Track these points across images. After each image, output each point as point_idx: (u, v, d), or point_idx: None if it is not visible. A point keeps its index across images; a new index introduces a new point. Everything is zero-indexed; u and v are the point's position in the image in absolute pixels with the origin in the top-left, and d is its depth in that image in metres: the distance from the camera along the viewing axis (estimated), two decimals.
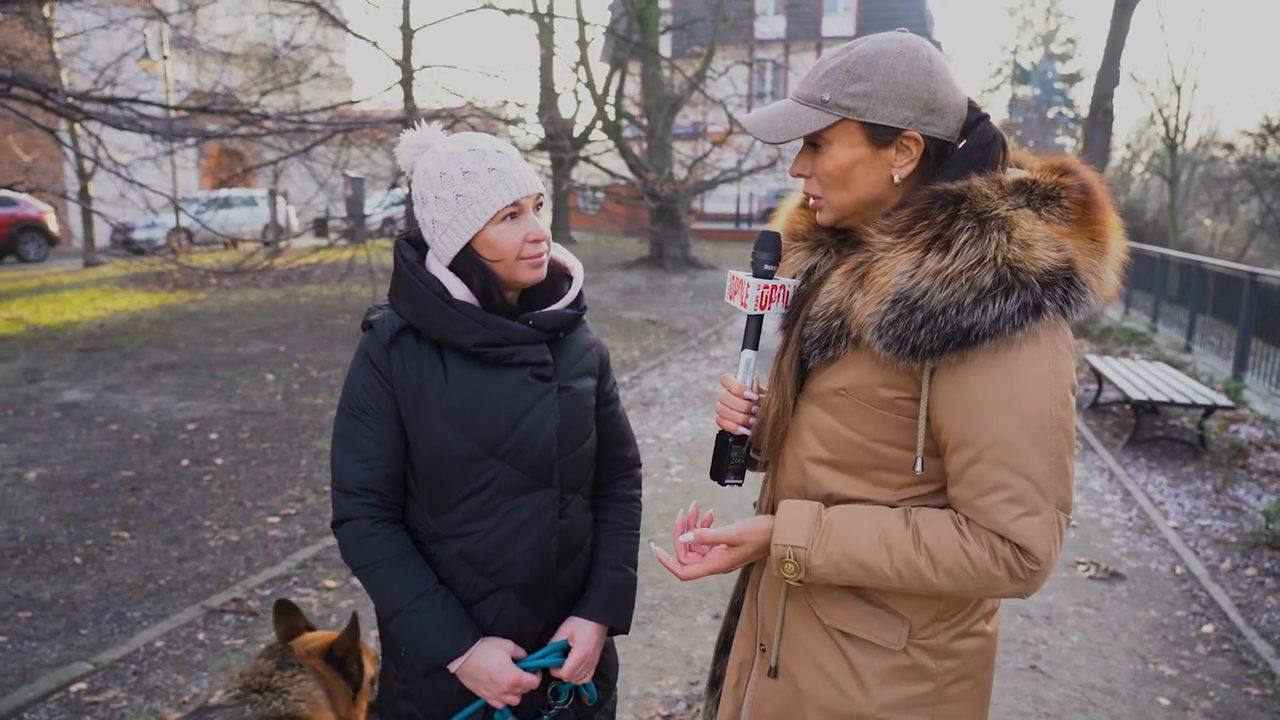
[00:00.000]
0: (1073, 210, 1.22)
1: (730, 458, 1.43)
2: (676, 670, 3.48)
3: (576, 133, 17.73)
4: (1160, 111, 27.20)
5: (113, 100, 5.99)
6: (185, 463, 5.88)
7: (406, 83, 10.39)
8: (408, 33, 10.67)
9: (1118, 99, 18.14)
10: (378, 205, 17.81)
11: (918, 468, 1.25)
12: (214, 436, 6.48)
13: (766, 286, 1.36)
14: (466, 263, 1.56)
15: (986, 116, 1.30)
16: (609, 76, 18.54)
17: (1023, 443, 1.16)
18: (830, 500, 1.33)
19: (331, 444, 1.62)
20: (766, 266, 1.38)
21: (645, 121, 18.58)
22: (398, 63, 10.22)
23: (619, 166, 18.48)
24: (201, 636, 3.70)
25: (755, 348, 1.40)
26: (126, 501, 5.18)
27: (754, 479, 1.59)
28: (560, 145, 13.62)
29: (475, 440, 1.56)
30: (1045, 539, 1.18)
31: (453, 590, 1.61)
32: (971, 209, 1.19)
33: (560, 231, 23.19)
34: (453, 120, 9.91)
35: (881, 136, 1.25)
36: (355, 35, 9.39)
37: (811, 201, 1.36)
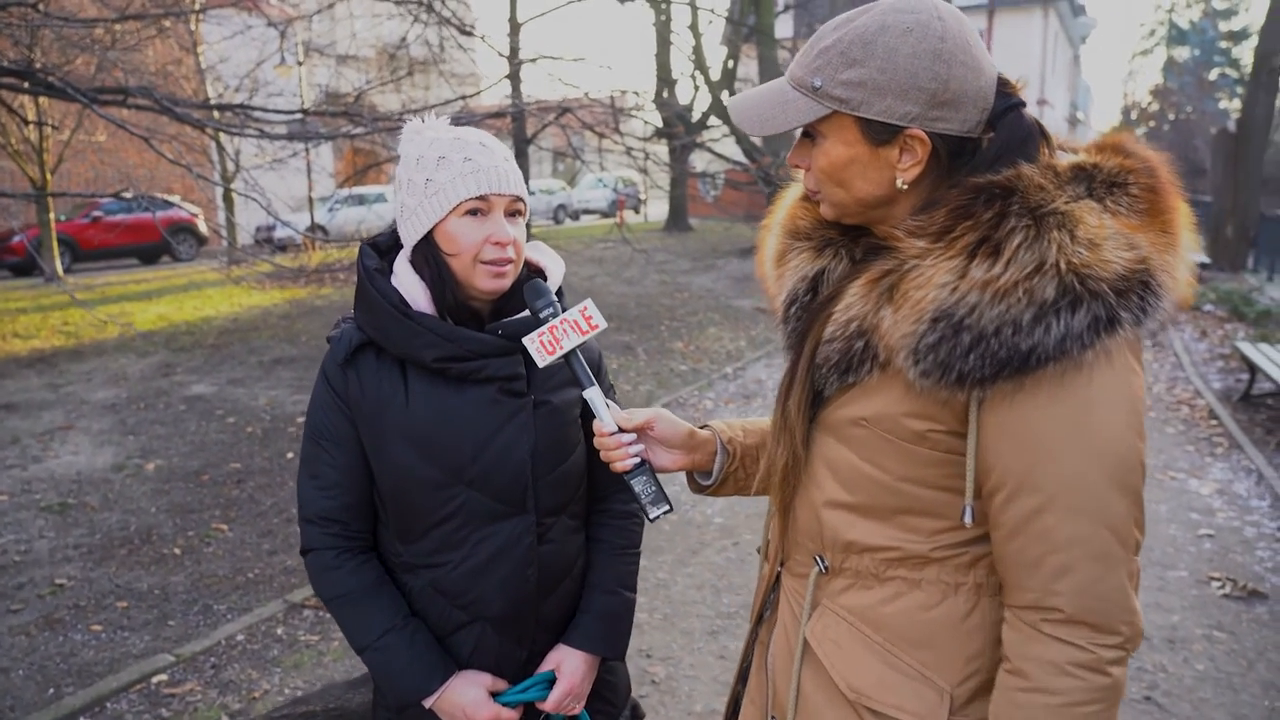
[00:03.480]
0: (1142, 199, 0.99)
1: (640, 493, 1.29)
2: None
3: (694, 119, 17.53)
4: None
5: (228, 106, 6.25)
6: (290, 455, 6.08)
7: (514, 75, 10.45)
8: (515, 25, 10.72)
9: None
10: None
11: (966, 518, 1.03)
12: None
13: (542, 336, 1.30)
14: (424, 254, 1.43)
15: (1019, 105, 1.06)
16: (724, 61, 18.22)
17: (1100, 485, 0.95)
18: (850, 550, 1.13)
19: (297, 469, 1.52)
20: (542, 314, 1.32)
21: None
22: (504, 55, 10.28)
23: (735, 152, 18.15)
24: (280, 631, 3.76)
25: (593, 383, 1.32)
26: (231, 494, 5.38)
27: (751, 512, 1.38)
28: (676, 133, 13.46)
29: (439, 466, 1.42)
30: (1129, 598, 0.98)
31: (426, 622, 1.49)
32: (1024, 204, 0.97)
33: (677, 220, 23.04)
34: (563, 111, 9.92)
35: (879, 134, 1.04)
36: (463, 31, 9.49)
37: (809, 193, 1.16)
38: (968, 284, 0.95)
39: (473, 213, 1.39)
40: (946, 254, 0.97)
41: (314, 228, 20.15)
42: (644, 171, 12.17)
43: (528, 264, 1.53)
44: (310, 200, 21.51)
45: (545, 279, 1.51)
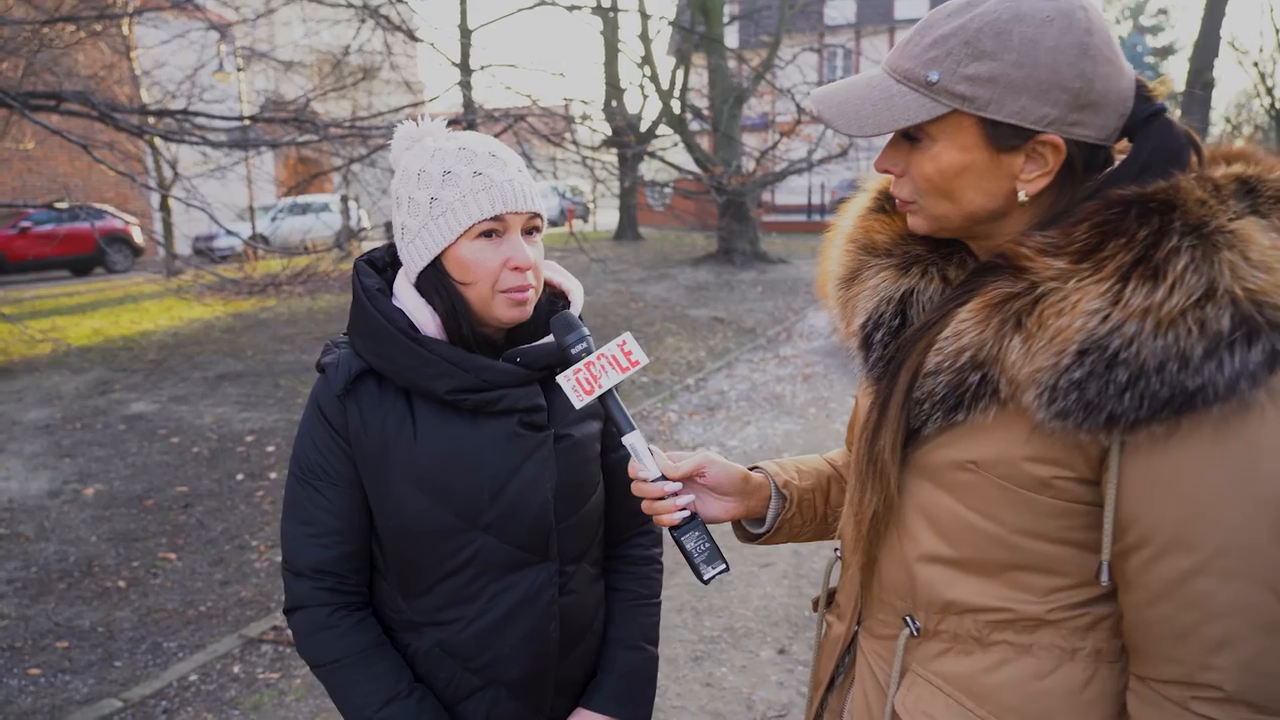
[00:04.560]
0: None
1: (693, 552, 1.15)
2: (736, 715, 3.16)
3: (643, 128, 17.47)
4: (1264, 81, 25.47)
5: (169, 113, 5.97)
6: (240, 477, 5.80)
7: (465, 83, 10.26)
8: (465, 32, 10.54)
9: (1217, 70, 16.97)
10: None
11: (1103, 577, 0.90)
12: (271, 449, 6.40)
13: (579, 374, 1.16)
14: (432, 282, 1.27)
15: (1163, 110, 0.94)
16: (674, 70, 18.21)
17: (1268, 544, 0.84)
18: (949, 610, 1.00)
19: (282, 514, 1.35)
20: (574, 350, 1.18)
21: (711, 114, 18.19)
22: (455, 64, 10.09)
23: (685, 161, 18.13)
24: (237, 669, 3.53)
25: (633, 427, 1.18)
26: (178, 519, 5.10)
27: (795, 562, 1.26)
28: (626, 141, 13.37)
29: (452, 510, 1.27)
30: None
31: (432, 688, 1.33)
32: (1185, 220, 0.85)
33: (628, 229, 22.96)
34: (515, 120, 9.75)
35: (1007, 139, 0.91)
36: (411, 37, 9.28)
37: (899, 204, 1.03)
38: (1124, 311, 0.83)
39: (487, 234, 1.24)
40: (1094, 276, 0.85)
41: (256, 237, 19.60)
42: (597, 180, 12.07)
43: (550, 286, 1.40)
44: (251, 209, 20.92)
45: (568, 304, 1.38)
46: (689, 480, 1.19)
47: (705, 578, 1.15)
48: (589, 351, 1.17)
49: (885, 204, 1.11)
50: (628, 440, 1.17)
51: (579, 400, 1.16)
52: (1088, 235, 0.88)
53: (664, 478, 1.16)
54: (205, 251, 19.18)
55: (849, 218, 1.15)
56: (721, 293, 14.85)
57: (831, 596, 1.25)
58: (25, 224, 17.36)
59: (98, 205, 18.70)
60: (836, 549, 1.21)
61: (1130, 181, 0.90)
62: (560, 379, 1.16)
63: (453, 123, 9.41)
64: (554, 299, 1.40)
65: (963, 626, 1.00)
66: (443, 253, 1.25)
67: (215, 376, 8.68)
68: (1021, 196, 0.94)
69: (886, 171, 1.02)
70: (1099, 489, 0.90)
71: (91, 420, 7.19)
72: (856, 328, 1.08)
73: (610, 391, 1.17)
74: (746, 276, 16.62)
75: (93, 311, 13.21)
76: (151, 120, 5.80)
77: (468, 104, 10.22)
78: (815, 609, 1.28)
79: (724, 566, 1.16)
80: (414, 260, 1.28)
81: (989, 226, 0.98)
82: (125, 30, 15.28)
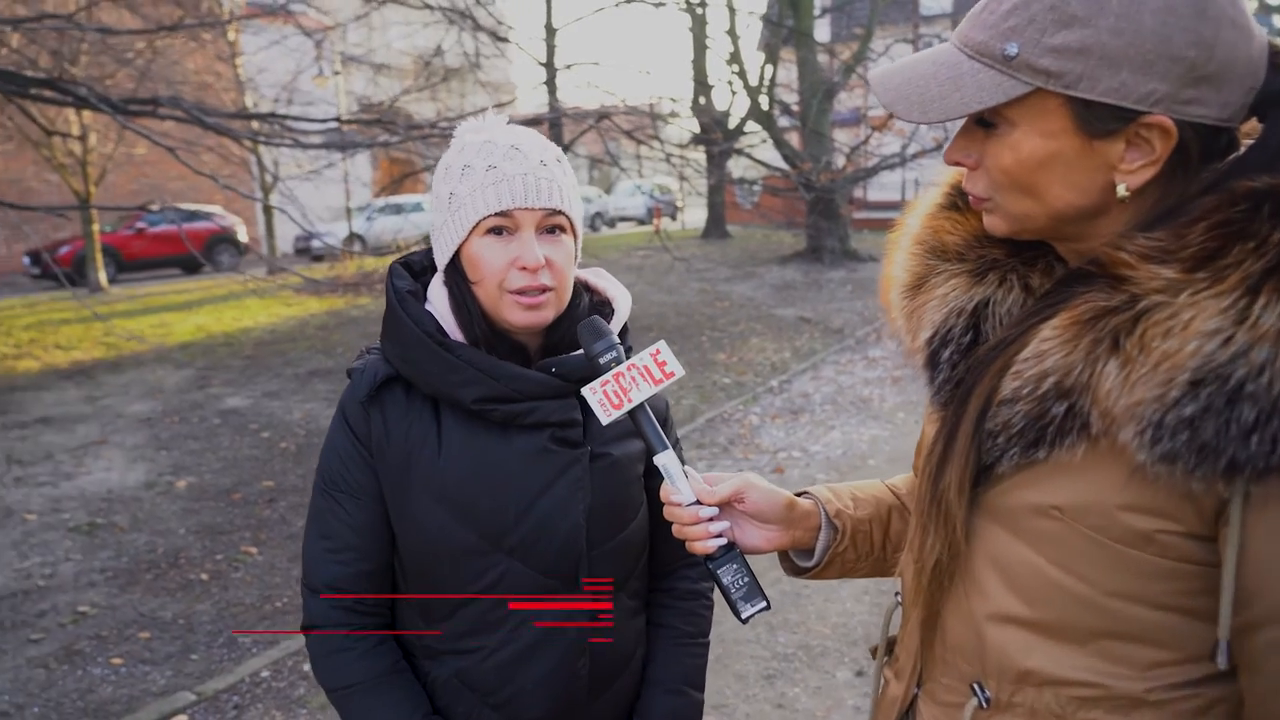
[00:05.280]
0: None
1: (729, 586, 1.02)
2: None
3: (731, 125, 17.26)
4: None
5: (256, 115, 6.14)
6: None
7: (550, 82, 10.29)
8: (550, 31, 10.56)
9: None
10: None
11: (1220, 660, 0.74)
12: None
13: (606, 386, 1.04)
14: (452, 280, 1.20)
15: None
16: (762, 65, 17.93)
17: None
18: (1026, 681, 0.84)
19: (305, 526, 1.28)
20: (603, 360, 1.06)
21: (800, 109, 17.84)
22: (541, 64, 10.12)
23: (774, 158, 17.84)
24: (307, 667, 3.55)
25: (666, 446, 1.05)
26: (262, 514, 5.21)
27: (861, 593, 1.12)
28: (713, 139, 13.22)
29: (475, 530, 1.17)
30: None
31: None
32: None
33: (715, 227, 22.76)
34: (599, 119, 9.72)
35: (1103, 122, 0.76)
36: (495, 38, 9.35)
37: (973, 201, 0.88)
38: (1251, 334, 0.67)
39: (495, 231, 1.16)
40: (1213, 289, 0.70)
41: (351, 237, 20.19)
42: (682, 178, 11.94)
43: (594, 294, 1.29)
44: (348, 210, 21.57)
45: (611, 313, 1.27)
46: (727, 506, 1.06)
47: (743, 616, 1.03)
48: (619, 361, 1.06)
49: (958, 200, 0.95)
50: (659, 460, 1.05)
51: (606, 416, 1.04)
52: (1206, 238, 0.71)
53: (699, 503, 1.04)
54: (304, 251, 19.91)
55: (916, 216, 1.00)
56: (809, 292, 14.55)
57: (892, 645, 1.10)
58: (140, 225, 18.29)
59: (204, 208, 19.60)
60: (898, 593, 1.06)
61: (1261, 171, 0.73)
62: (585, 392, 1.05)
63: (536, 122, 9.44)
64: (598, 306, 1.29)
65: (1042, 701, 0.84)
66: (459, 250, 1.18)
67: (306, 373, 8.91)
68: (1121, 191, 0.77)
69: (958, 164, 0.87)
70: (1215, 547, 0.73)
71: (189, 414, 7.46)
72: (921, 343, 0.93)
73: (642, 406, 1.05)
74: (835, 275, 16.24)
75: (198, 308, 13.81)
76: (239, 124, 5.97)
77: (552, 103, 10.24)
78: (874, 657, 1.13)
79: (764, 604, 1.03)
80: (440, 256, 1.22)
81: (1081, 227, 0.82)
82: (230, 37, 15.97)
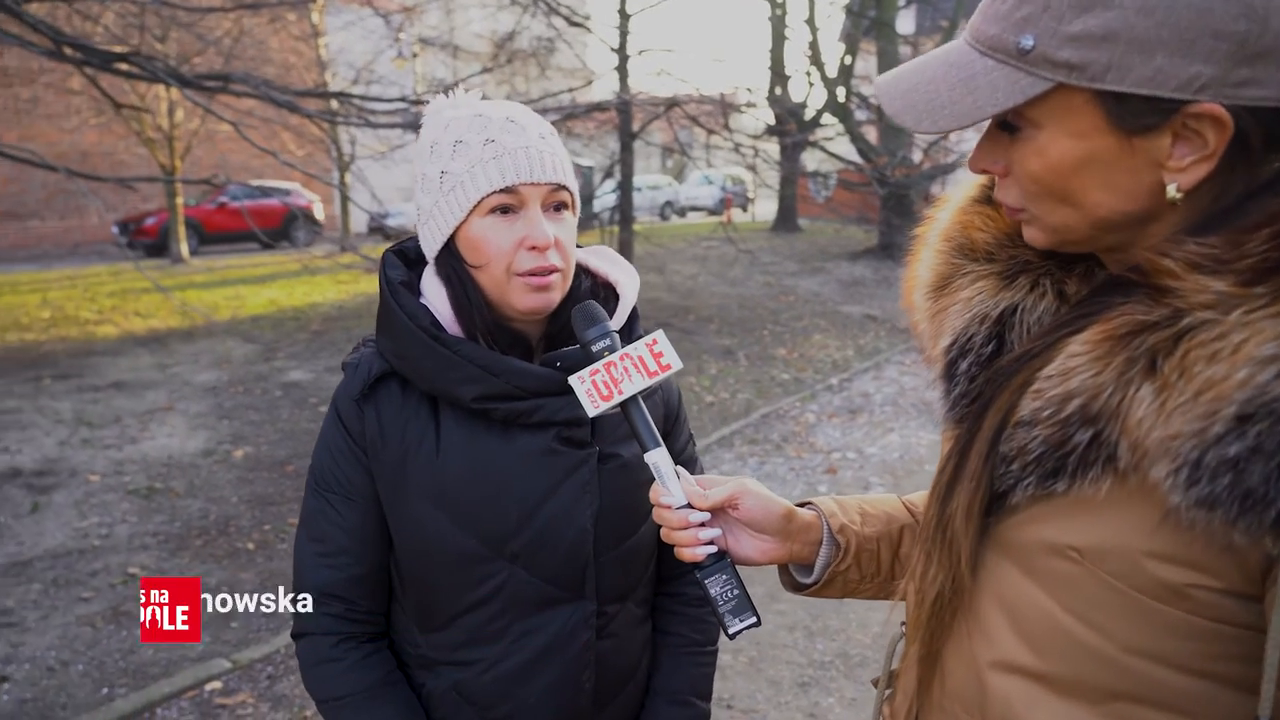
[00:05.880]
0: None
1: (716, 598, 0.94)
2: None
3: (807, 117, 16.98)
4: None
5: (323, 94, 6.23)
6: None
7: (622, 68, 10.21)
8: (624, 16, 10.48)
9: None
10: (608, 192, 18.06)
11: None
12: None
13: (595, 375, 0.96)
14: (447, 268, 1.12)
15: None
16: (842, 56, 17.56)
17: None
18: None
19: (296, 528, 1.23)
20: (595, 347, 0.98)
21: (877, 103, 17.44)
22: (614, 49, 10.06)
23: (849, 151, 17.49)
24: None
25: (658, 443, 0.97)
26: None
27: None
28: (788, 130, 12.99)
29: (475, 535, 1.10)
30: None
31: None
32: None
33: (785, 220, 22.45)
34: (669, 106, 9.61)
35: (1140, 116, 0.65)
36: (569, 22, 9.31)
37: (1008, 212, 0.78)
38: None
39: (500, 210, 1.07)
40: (1272, 308, 0.59)
41: None
42: (753, 169, 11.76)
43: (595, 277, 1.21)
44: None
45: (616, 298, 1.18)
46: (720, 512, 0.97)
47: (730, 631, 0.95)
48: (612, 350, 0.98)
49: (993, 193, 0.85)
50: (650, 458, 0.97)
51: (593, 408, 0.96)
52: (1269, 246, 0.60)
53: (691, 506, 0.95)
54: (379, 229, 20.29)
55: (948, 209, 0.89)
56: (878, 289, 14.24)
57: (893, 679, 0.99)
58: (222, 199, 18.85)
59: (284, 184, 20.10)
60: (903, 622, 0.96)
61: None
62: (573, 380, 0.97)
63: (604, 107, 9.37)
64: (602, 291, 1.21)
65: None
66: (455, 233, 1.09)
67: None
68: (1172, 191, 0.66)
69: (984, 171, 0.77)
70: (1259, 608, 0.62)
71: (253, 385, 7.63)
72: (939, 351, 0.82)
73: (634, 399, 0.97)
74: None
75: (271, 282, 14.16)
76: (311, 102, 6.07)
77: (622, 89, 10.17)
78: (876, 688, 1.03)
79: (754, 619, 0.95)
80: (430, 244, 1.13)
81: (1129, 235, 0.71)
82: (315, 18, 16.31)
